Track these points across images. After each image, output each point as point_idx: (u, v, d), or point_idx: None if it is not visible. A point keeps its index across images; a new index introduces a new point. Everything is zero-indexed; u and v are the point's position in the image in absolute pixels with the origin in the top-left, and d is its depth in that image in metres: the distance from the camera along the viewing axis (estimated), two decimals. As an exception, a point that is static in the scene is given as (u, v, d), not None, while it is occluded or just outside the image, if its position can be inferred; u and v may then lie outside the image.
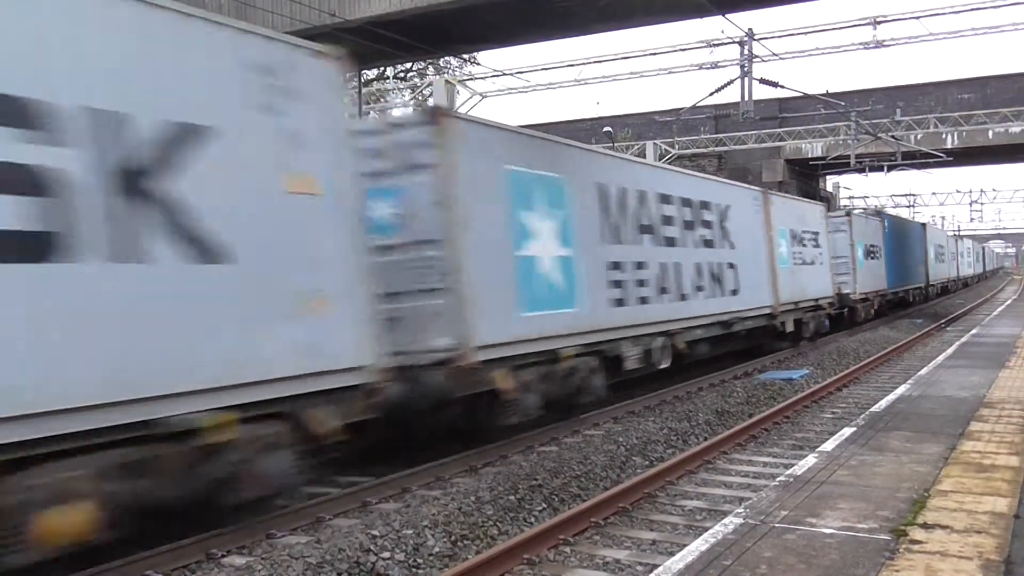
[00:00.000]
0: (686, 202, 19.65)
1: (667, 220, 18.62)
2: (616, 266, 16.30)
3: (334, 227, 9.85)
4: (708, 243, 20.66)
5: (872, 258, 37.73)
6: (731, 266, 21.73)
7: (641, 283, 17.14)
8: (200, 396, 8.21)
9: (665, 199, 18.69)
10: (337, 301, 9.75)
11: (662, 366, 17.84)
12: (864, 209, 49.47)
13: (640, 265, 17.18)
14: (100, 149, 7.51)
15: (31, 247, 6.99)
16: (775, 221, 25.49)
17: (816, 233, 29.70)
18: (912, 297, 47.90)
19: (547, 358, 14.03)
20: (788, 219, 26.91)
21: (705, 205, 20.74)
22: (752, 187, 25.85)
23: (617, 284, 16.29)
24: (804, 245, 28.17)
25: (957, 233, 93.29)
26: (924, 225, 58.47)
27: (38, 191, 7.04)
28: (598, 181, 16.16)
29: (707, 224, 20.76)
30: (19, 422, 6.84)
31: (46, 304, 7.06)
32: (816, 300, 28.49)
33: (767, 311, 23.86)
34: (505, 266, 13.24)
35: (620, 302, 16.35)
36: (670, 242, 18.61)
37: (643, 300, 17.15)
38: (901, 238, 45.16)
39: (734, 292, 21.82)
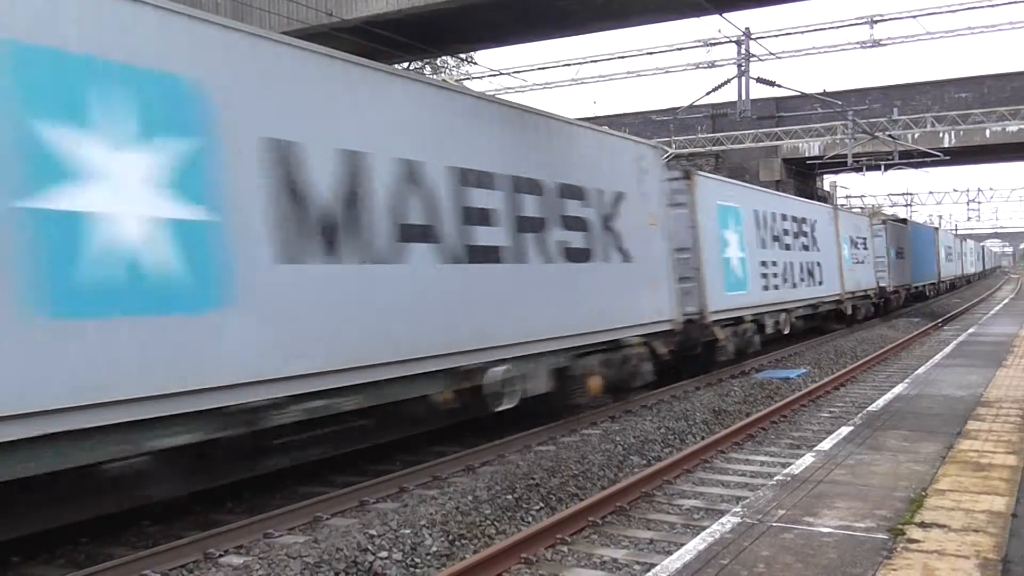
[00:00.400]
0: (794, 219, 27.48)
1: (785, 232, 26.29)
2: (763, 264, 23.96)
3: (661, 243, 17.46)
4: (805, 248, 28.31)
5: (900, 258, 44.65)
6: (818, 264, 29.55)
7: (775, 276, 24.75)
8: (631, 329, 15.93)
9: (784, 217, 26.46)
10: (663, 283, 17.39)
11: (784, 332, 25.45)
12: (893, 216, 54.35)
13: (774, 263, 24.81)
14: (599, 206, 15.18)
15: (583, 254, 14.61)
16: (841, 230, 33.44)
17: (864, 238, 37.98)
18: (928, 291, 55.77)
19: (736, 321, 21.61)
20: (849, 228, 35.25)
21: (804, 220, 28.56)
22: (827, 205, 37.55)
23: (764, 276, 23.98)
24: (858, 248, 36.36)
25: (956, 233, 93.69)
26: (936, 229, 66.89)
27: (585, 228, 14.72)
28: (754, 208, 23.84)
29: (805, 234, 28.59)
30: (575, 338, 14.24)
31: (598, 280, 15.01)
32: (865, 291, 36.86)
33: (836, 298, 31.86)
34: (719, 263, 20.83)
35: (766, 288, 24.09)
36: (787, 247, 26.24)
37: (776, 287, 24.86)
38: (921, 241, 52.64)
39: (820, 283, 29.59)
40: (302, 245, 9.47)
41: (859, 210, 56.20)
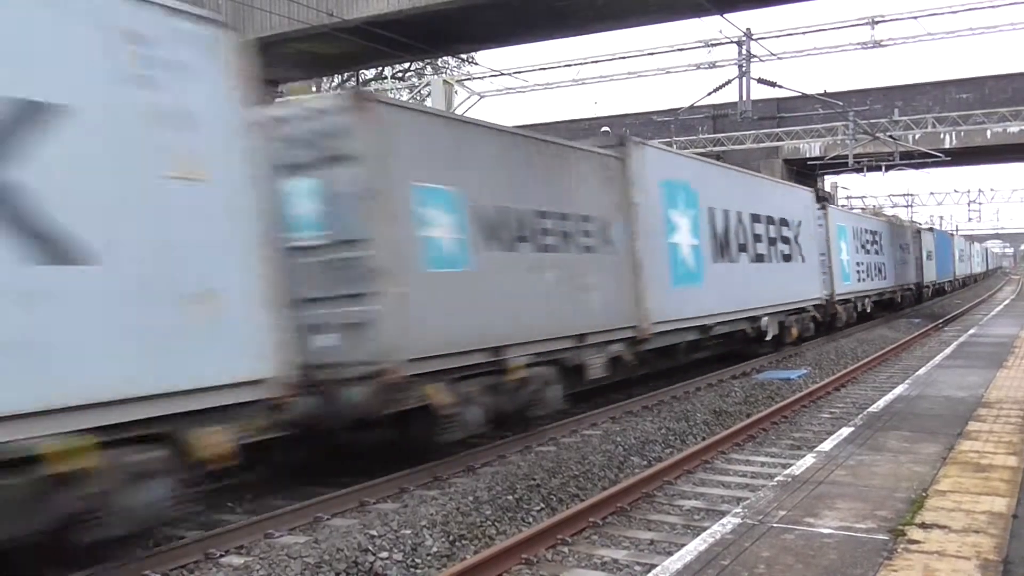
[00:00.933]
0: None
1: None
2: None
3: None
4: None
5: (929, 259, 55.04)
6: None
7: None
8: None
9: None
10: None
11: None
12: (928, 224, 70.02)
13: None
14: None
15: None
16: (893, 238, 43.23)
17: (909, 243, 48.80)
18: (946, 287, 66.25)
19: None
20: (898, 236, 45.34)
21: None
22: (904, 220, 52.89)
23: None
24: (903, 251, 46.86)
25: (962, 236, 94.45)
26: (952, 234, 78.76)
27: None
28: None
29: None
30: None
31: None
32: (915, 283, 48.97)
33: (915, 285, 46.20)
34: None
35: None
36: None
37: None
38: (942, 245, 63.89)
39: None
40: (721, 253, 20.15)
41: (895, 217, 64.64)
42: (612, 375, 16.21)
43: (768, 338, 23.44)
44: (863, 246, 35.30)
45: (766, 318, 22.98)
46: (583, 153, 15.76)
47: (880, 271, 38.07)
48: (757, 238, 23.14)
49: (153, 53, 7.82)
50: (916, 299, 50.25)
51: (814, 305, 27.30)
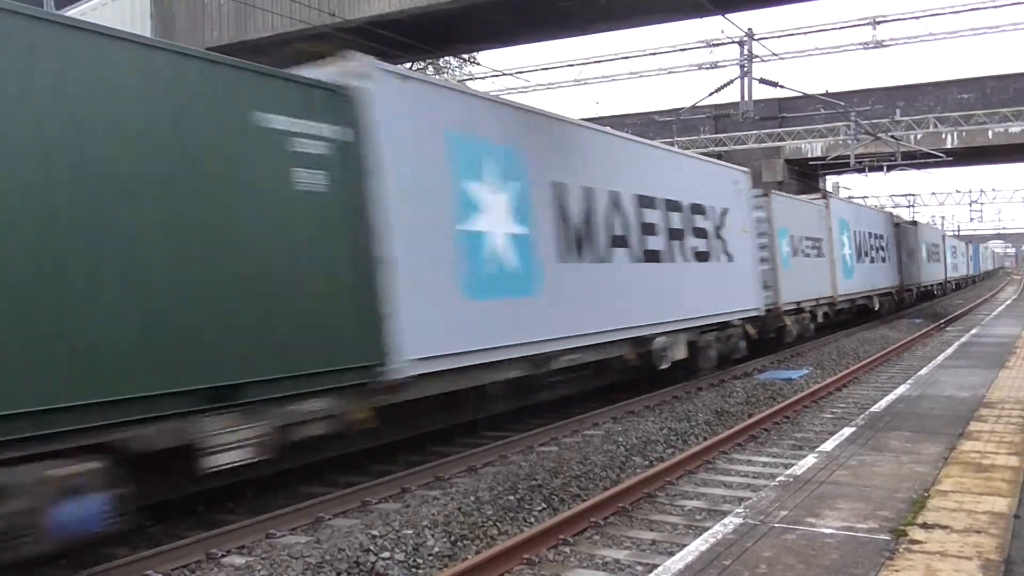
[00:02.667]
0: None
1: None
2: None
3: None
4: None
5: (954, 258, 70.87)
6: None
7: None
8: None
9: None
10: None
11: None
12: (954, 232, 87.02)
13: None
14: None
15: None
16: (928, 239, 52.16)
17: (937, 245, 58.04)
18: (967, 282, 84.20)
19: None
20: (928, 238, 55.00)
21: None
22: (931, 223, 68.13)
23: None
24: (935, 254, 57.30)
25: (957, 234, 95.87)
26: (969, 241, 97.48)
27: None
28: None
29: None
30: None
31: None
32: (942, 281, 59.12)
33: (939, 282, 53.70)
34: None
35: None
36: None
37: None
38: (960, 249, 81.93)
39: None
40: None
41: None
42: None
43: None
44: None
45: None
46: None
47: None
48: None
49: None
50: (949, 290, 62.15)
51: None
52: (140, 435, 7.96)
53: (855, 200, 56.38)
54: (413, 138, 11.37)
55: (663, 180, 18.10)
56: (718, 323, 20.00)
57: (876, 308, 33.65)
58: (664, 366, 17.45)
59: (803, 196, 32.67)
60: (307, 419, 9.64)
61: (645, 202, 17.13)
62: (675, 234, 18.28)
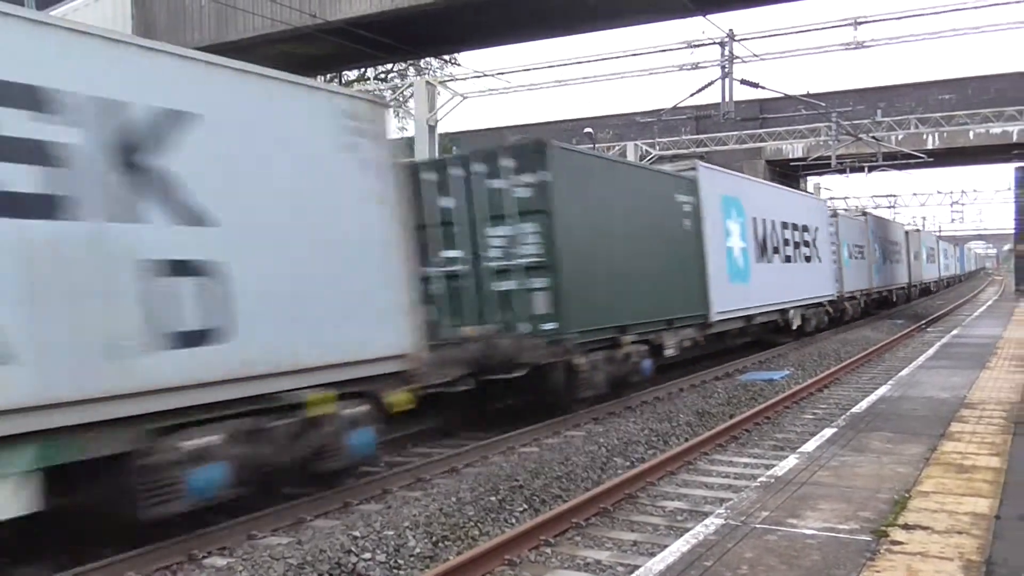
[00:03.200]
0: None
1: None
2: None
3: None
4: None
5: (946, 259, 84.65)
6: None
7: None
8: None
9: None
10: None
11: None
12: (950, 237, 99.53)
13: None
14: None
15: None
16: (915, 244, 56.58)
17: (933, 248, 63.84)
18: (956, 280, 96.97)
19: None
20: (927, 242, 62.44)
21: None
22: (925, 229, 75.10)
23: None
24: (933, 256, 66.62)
25: (939, 234, 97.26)
26: (959, 244, 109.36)
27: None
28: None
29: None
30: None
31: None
32: (937, 278, 66.39)
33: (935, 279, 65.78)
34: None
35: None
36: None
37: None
38: (950, 251, 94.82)
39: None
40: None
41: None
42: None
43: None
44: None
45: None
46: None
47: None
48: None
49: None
50: (943, 287, 74.80)
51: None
52: (653, 336, 18.08)
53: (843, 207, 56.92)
54: (711, 198, 21.38)
55: (791, 209, 28.53)
56: (815, 303, 29.90)
57: (956, 281, 55.84)
58: (794, 327, 27.58)
59: (847, 212, 45.88)
60: (687, 336, 19.76)
61: (785, 225, 27.22)
62: (796, 244, 28.19)
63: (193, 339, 8.58)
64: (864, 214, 42.50)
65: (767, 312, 24.81)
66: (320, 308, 10.12)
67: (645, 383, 18.14)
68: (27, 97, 7.51)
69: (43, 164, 7.54)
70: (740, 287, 22.67)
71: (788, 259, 27.19)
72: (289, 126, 10.21)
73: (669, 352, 18.82)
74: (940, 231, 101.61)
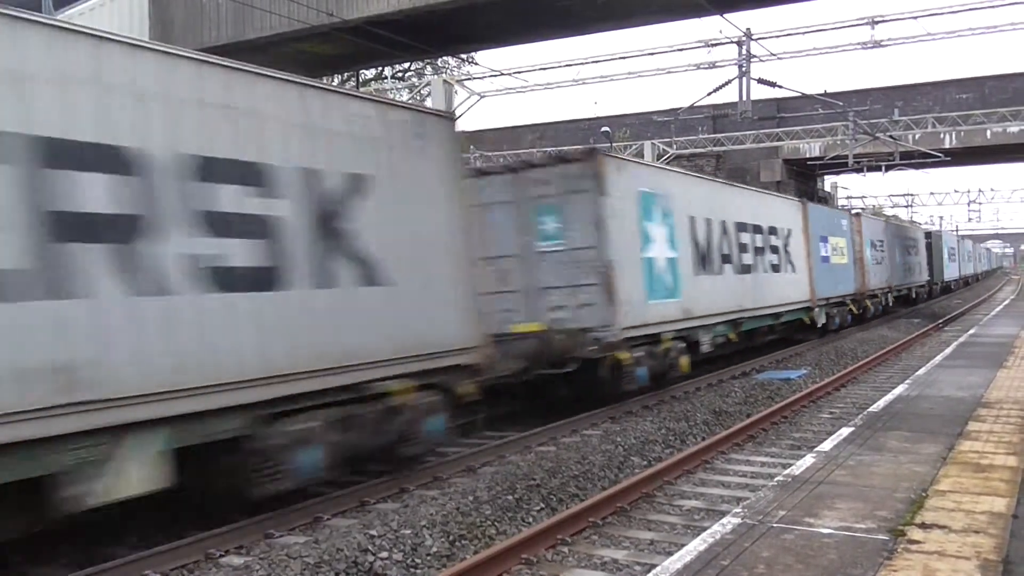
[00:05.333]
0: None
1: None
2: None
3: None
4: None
5: (968, 260, 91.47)
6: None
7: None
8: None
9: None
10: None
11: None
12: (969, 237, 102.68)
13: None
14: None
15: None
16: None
17: (954, 248, 67.54)
18: (974, 278, 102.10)
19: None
20: (949, 242, 67.16)
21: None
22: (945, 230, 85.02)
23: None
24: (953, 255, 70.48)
25: (957, 233, 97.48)
26: (978, 245, 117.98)
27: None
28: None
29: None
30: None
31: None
32: (957, 277, 71.50)
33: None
34: None
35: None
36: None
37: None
38: (974, 251, 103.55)
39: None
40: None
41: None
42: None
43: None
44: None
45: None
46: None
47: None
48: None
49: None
50: (966, 283, 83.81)
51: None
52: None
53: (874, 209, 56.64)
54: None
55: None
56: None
57: (977, 279, 62.91)
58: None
59: (872, 217, 46.05)
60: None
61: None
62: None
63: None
64: (887, 218, 47.46)
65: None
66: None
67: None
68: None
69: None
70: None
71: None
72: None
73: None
74: (957, 230, 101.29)
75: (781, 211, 26.77)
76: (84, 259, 7.70)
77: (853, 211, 39.52)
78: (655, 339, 17.22)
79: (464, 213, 12.51)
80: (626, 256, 16.47)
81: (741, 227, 22.60)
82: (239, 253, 9.11)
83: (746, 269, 22.61)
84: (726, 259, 21.29)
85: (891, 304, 41.00)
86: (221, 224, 8.93)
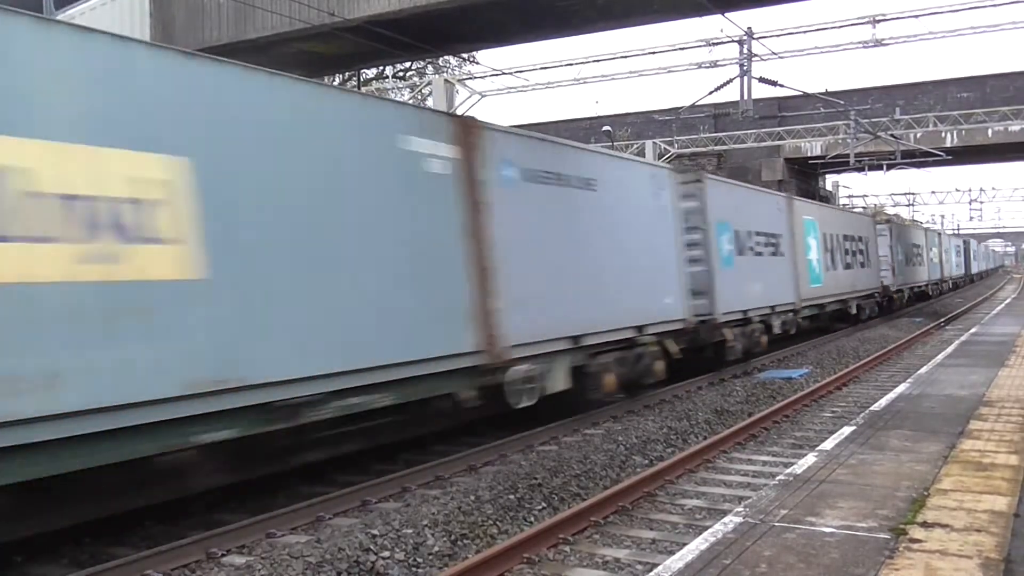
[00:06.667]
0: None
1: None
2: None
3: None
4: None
5: (975, 260, 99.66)
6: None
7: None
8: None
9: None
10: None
11: None
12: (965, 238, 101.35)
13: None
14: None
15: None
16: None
17: (959, 247, 76.17)
18: (980, 275, 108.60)
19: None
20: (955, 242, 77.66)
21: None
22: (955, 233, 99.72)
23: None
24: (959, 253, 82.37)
25: (957, 233, 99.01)
26: (978, 244, 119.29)
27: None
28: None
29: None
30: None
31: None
32: (964, 274, 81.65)
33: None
34: None
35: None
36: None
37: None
38: (983, 251, 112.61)
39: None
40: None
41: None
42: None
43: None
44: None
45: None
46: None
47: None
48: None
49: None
50: (966, 283, 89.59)
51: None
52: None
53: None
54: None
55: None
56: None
57: (981, 276, 74.39)
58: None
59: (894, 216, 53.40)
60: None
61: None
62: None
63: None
64: (907, 222, 52.39)
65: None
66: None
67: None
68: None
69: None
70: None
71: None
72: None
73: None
74: (959, 229, 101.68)
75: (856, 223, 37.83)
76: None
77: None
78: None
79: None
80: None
81: (847, 238, 33.99)
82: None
83: (849, 266, 33.82)
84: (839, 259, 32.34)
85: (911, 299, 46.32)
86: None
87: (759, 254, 23.43)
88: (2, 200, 6.99)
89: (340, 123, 10.49)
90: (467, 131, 12.50)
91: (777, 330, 24.22)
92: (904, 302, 44.68)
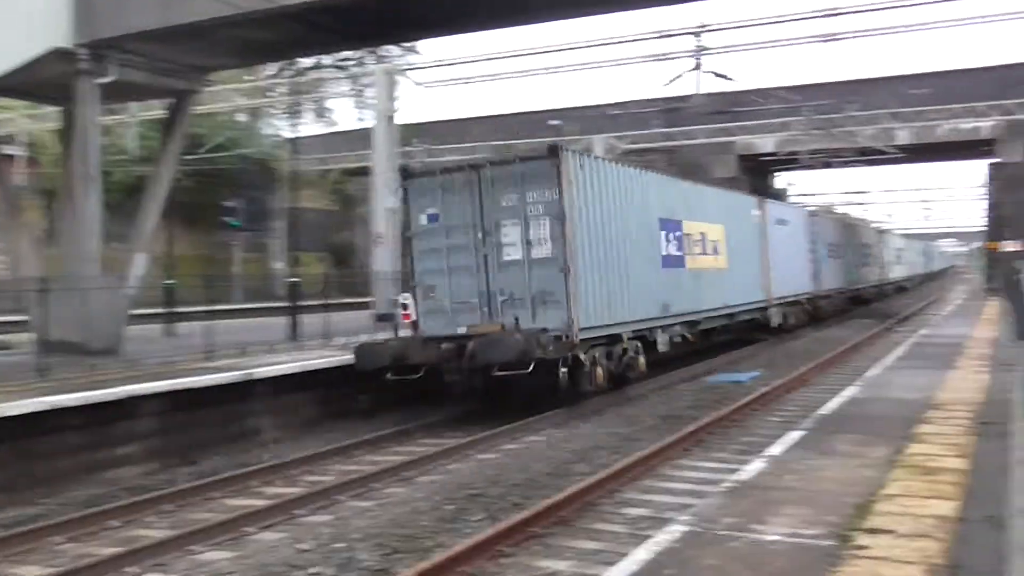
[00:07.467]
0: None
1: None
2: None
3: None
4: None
5: (923, 257, 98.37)
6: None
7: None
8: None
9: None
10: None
11: None
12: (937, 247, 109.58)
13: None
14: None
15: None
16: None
17: (904, 248, 73.81)
18: (928, 278, 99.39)
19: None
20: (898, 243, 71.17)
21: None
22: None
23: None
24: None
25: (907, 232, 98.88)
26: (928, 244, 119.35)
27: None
28: None
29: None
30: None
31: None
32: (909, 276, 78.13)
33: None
34: None
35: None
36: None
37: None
38: (928, 251, 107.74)
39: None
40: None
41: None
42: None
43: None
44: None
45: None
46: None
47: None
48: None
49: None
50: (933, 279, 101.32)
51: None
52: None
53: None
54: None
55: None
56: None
57: (942, 275, 76.39)
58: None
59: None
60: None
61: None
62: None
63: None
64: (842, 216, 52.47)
65: None
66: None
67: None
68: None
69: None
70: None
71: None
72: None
73: None
74: (910, 229, 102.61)
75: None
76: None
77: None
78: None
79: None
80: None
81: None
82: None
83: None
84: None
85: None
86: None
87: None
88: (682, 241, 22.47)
89: (742, 206, 28.63)
90: (761, 202, 30.83)
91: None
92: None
